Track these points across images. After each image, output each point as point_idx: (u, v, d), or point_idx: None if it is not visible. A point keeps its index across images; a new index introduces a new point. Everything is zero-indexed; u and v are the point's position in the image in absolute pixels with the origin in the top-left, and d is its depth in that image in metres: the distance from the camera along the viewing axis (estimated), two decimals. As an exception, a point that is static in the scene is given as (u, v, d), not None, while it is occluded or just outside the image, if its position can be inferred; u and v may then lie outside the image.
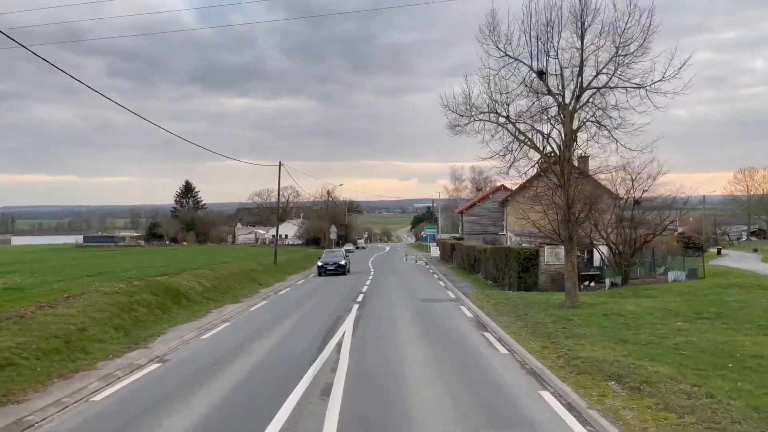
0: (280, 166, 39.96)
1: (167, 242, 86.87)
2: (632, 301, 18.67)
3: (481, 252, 33.32)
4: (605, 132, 17.72)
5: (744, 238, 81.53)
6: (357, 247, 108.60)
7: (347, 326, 15.82)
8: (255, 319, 18.40)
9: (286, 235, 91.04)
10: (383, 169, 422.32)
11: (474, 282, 30.00)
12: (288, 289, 28.94)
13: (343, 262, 36.01)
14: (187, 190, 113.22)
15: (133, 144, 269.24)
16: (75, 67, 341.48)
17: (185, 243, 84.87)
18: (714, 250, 53.56)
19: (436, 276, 35.74)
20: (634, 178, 25.98)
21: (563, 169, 18.30)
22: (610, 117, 17.51)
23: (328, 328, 15.73)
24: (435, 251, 54.04)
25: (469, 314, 18.28)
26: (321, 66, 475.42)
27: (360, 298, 23.35)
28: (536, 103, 18.30)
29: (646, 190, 26.48)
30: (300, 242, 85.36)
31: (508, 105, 18.37)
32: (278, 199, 42.52)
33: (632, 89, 16.95)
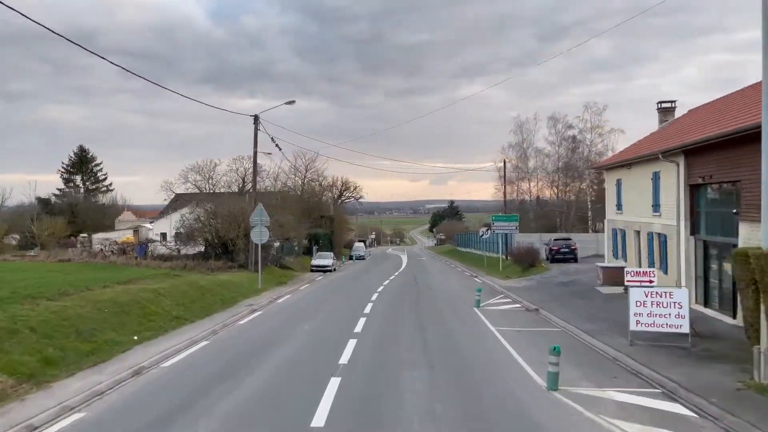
0: None
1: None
2: None
3: None
4: None
5: None
6: (352, 257, 64.08)
7: None
8: None
9: (171, 237, 41.85)
10: (393, 170, 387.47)
11: None
12: None
13: None
14: (81, 162, 69.95)
15: (147, 144, 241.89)
16: (87, 67, 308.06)
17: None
18: None
19: None
20: None
21: None
22: None
23: None
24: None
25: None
26: (332, 66, 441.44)
27: None
28: None
29: None
30: (197, 250, 36.56)
31: None
32: None
33: None
